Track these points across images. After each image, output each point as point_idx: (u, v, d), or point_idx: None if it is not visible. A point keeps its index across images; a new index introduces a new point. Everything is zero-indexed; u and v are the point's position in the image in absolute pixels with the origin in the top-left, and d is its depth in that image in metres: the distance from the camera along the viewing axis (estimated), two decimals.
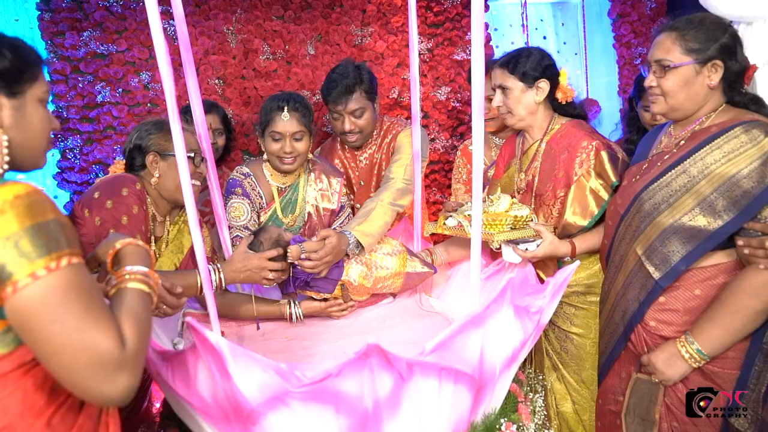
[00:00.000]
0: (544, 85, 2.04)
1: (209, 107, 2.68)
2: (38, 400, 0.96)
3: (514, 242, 1.92)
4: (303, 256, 1.89)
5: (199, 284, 1.65)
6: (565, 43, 3.61)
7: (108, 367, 0.88)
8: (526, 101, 2.05)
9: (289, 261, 1.90)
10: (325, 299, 2.05)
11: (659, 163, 1.76)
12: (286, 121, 2.11)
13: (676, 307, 1.70)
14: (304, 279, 1.96)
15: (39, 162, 1.11)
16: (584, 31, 3.54)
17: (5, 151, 1.01)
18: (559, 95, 2.07)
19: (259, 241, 1.92)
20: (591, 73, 3.57)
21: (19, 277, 0.86)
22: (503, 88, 2.06)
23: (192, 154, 1.79)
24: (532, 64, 2.04)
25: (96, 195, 1.67)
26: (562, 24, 3.59)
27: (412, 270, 2.06)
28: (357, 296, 2.08)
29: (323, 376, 1.18)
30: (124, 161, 1.91)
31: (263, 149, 2.19)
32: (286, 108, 2.11)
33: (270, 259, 1.84)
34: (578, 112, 2.13)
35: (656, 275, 1.69)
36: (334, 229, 2.17)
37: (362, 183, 2.58)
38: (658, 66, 1.70)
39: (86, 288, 0.91)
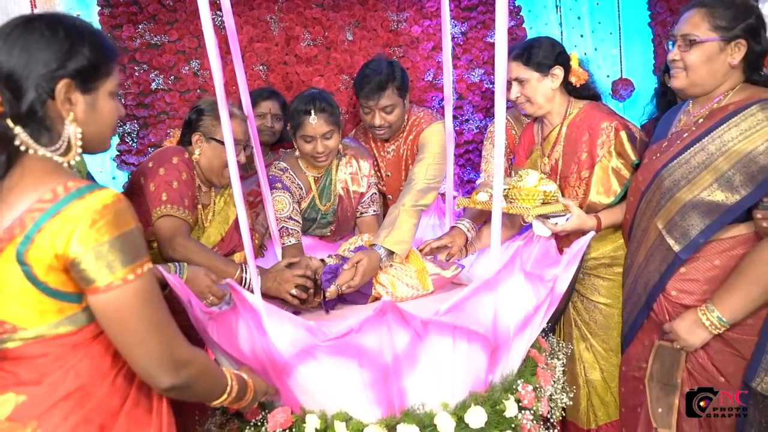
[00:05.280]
0: (558, 71, 2.07)
1: (270, 94, 2.78)
2: (104, 365, 1.10)
3: (545, 216, 1.97)
4: (343, 289, 1.93)
5: (238, 275, 1.80)
6: (599, 23, 3.45)
7: (162, 365, 1.06)
8: (543, 89, 2.08)
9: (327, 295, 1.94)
10: None
11: (678, 141, 1.79)
12: (315, 124, 2.14)
13: (697, 277, 1.74)
14: (335, 300, 1.98)
15: (105, 146, 1.19)
16: (618, 9, 3.40)
17: (79, 143, 1.08)
18: (573, 79, 2.10)
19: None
20: (626, 52, 3.43)
21: (112, 279, 0.99)
22: (519, 80, 2.09)
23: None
24: (545, 53, 2.06)
25: (150, 164, 1.86)
26: (597, 3, 3.44)
27: (436, 277, 2.05)
28: None
29: (346, 331, 1.31)
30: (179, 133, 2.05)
31: (296, 148, 2.25)
32: (313, 111, 2.13)
33: (297, 285, 1.88)
34: (592, 93, 2.17)
35: (676, 248, 1.74)
36: (364, 236, 2.22)
37: (390, 174, 2.61)
38: (683, 40, 1.73)
39: (158, 292, 1.08)
